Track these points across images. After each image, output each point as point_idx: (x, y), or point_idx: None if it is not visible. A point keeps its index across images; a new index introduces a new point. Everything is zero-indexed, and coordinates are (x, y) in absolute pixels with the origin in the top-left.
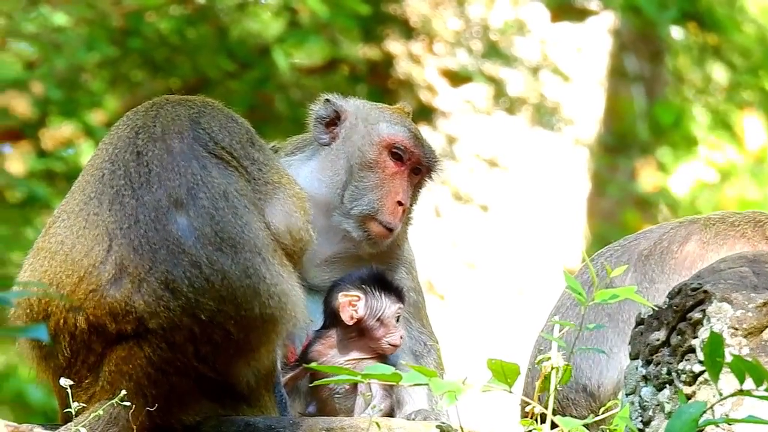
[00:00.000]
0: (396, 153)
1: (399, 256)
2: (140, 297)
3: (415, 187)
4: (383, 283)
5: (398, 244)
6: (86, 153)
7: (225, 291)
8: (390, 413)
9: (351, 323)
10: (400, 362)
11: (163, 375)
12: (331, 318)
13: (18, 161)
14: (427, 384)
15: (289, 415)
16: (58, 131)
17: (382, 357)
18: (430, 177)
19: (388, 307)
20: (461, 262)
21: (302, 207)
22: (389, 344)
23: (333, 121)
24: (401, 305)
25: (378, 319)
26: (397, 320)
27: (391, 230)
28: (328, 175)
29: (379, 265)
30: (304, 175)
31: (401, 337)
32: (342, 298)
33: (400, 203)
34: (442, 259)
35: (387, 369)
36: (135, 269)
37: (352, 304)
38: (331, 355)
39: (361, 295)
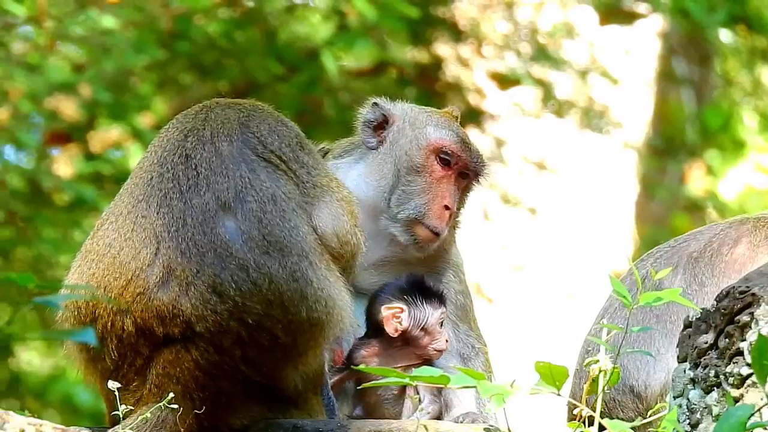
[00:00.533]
0: (443, 157)
1: (447, 260)
2: (187, 300)
3: (463, 192)
4: (424, 290)
5: (446, 248)
6: (134, 156)
7: (272, 295)
8: (438, 416)
9: (396, 335)
10: (448, 365)
11: (210, 378)
12: (375, 329)
13: (66, 164)
14: (475, 387)
15: (337, 418)
16: (106, 134)
17: (429, 361)
18: (478, 181)
19: (431, 314)
20: (509, 265)
21: (350, 211)
22: (435, 350)
23: (381, 125)
24: (444, 309)
25: (422, 329)
26: (441, 325)
27: (437, 234)
28: (375, 179)
29: (426, 269)
30: (352, 178)
31: (447, 341)
32: (385, 311)
33: (446, 207)
34: (490, 262)
35: (435, 372)
36: (182, 272)
37: (396, 317)
38: (375, 364)
39: (404, 307)
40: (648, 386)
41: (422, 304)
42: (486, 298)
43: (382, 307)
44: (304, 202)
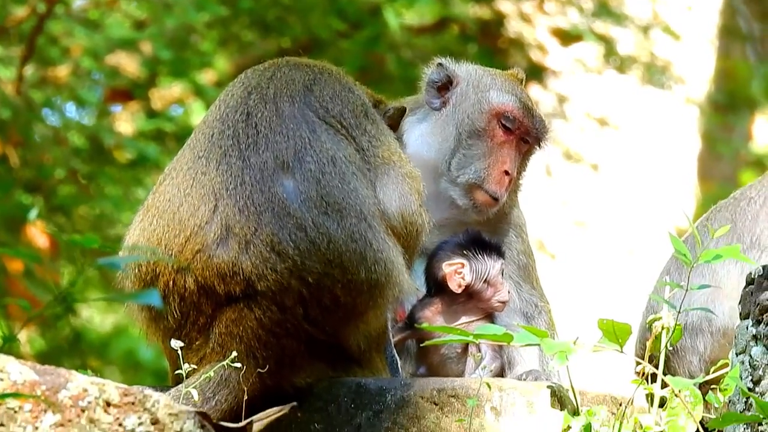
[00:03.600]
0: (505, 123)
1: (508, 221)
2: (247, 258)
3: (524, 157)
4: (482, 244)
5: (506, 211)
6: (195, 113)
7: (331, 254)
8: (500, 374)
9: (459, 291)
10: (511, 323)
11: (273, 337)
12: (437, 287)
13: (127, 121)
14: (538, 344)
15: (400, 377)
16: (167, 91)
17: (491, 317)
18: (539, 147)
19: (492, 266)
20: (572, 222)
21: (417, 189)
22: (499, 302)
23: (445, 85)
24: (503, 260)
25: (485, 281)
26: (502, 275)
27: (496, 200)
28: (437, 141)
29: (487, 230)
30: (415, 137)
31: (509, 292)
32: (447, 268)
33: (506, 173)
34: (552, 218)
35: (498, 329)
36: (241, 230)
37: (458, 272)
38: (440, 322)
39: (465, 262)
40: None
41: (482, 256)
42: (549, 255)
43: (444, 264)
44: (366, 168)
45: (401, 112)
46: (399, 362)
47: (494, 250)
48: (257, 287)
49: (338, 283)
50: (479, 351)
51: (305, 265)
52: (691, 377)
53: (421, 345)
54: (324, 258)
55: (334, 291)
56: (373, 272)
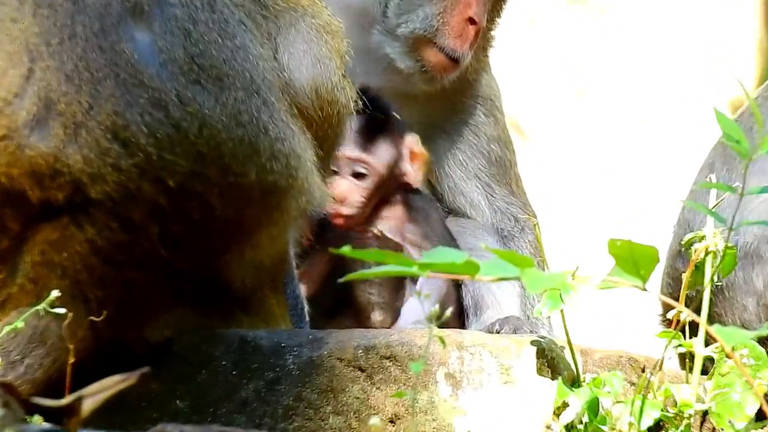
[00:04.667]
0: None
1: (473, 94)
2: (77, 150)
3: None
4: (376, 126)
5: (471, 78)
6: None
7: (205, 145)
8: (461, 323)
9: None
10: (477, 245)
11: (113, 268)
12: None
13: None
14: (517, 278)
15: (307, 328)
16: None
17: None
18: None
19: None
20: (566, 90)
21: (338, 49)
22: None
23: None
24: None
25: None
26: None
27: (456, 61)
28: None
29: (442, 108)
30: None
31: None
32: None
33: (471, 21)
34: (539, 86)
35: (457, 255)
36: (68, 107)
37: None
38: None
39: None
40: None
41: (380, 143)
42: (522, 136)
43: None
44: (261, 15)
45: None
46: (306, 306)
47: (394, 126)
48: (90, 193)
49: (214, 187)
50: (427, 288)
51: (164, 160)
52: (747, 328)
53: (340, 281)
54: (193, 150)
55: (207, 200)
56: (268, 172)
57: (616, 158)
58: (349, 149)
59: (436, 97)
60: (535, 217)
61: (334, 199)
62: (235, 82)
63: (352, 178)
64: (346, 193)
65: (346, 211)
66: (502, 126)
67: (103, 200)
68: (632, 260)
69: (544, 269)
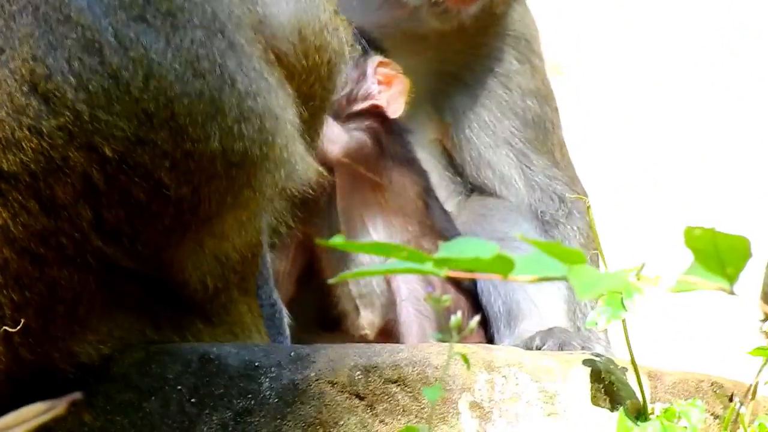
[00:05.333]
0: None
1: (500, 33)
2: None
3: None
4: None
5: (498, 11)
6: None
7: (152, 102)
8: (486, 336)
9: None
10: (509, 233)
11: (33, 264)
12: None
13: None
14: (564, 278)
15: (287, 341)
16: None
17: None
18: None
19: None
20: (614, 26)
21: None
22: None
23: None
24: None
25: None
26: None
27: None
28: None
29: (462, 51)
30: None
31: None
32: None
33: None
34: (581, 24)
35: (484, 247)
36: None
37: None
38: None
39: None
40: None
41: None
42: (564, 83)
43: None
44: None
45: None
46: (284, 312)
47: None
48: (2, 165)
49: (164, 158)
50: (445, 291)
51: (99, 121)
52: None
53: (329, 282)
54: (137, 108)
55: (155, 174)
56: (235, 137)
57: (691, 115)
58: None
59: (452, 38)
60: (586, 195)
61: None
62: (192, 18)
63: None
64: None
65: None
66: (541, 75)
67: (17, 174)
68: (716, 255)
69: (598, 266)
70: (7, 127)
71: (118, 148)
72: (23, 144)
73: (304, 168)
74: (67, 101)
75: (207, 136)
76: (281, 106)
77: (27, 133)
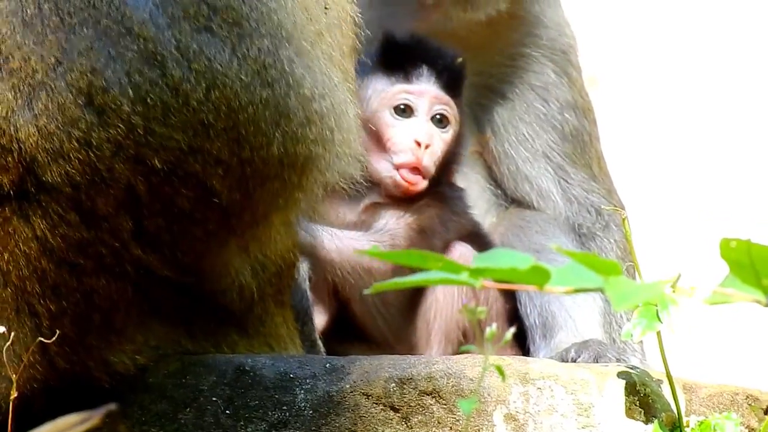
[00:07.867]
0: None
1: (537, 44)
2: (30, 118)
3: None
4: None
5: (529, 17)
6: None
7: (212, 113)
8: (523, 349)
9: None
10: (546, 245)
11: (71, 274)
12: None
13: None
14: (600, 289)
15: (322, 353)
16: None
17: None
18: None
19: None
20: (653, 38)
21: None
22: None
23: None
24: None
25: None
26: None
27: None
28: None
29: (491, 59)
30: None
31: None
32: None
33: None
34: (621, 39)
35: (520, 259)
36: (25, 63)
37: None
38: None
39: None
40: None
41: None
42: (600, 96)
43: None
44: None
45: None
46: (314, 323)
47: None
48: (44, 177)
49: (218, 166)
50: (480, 300)
51: (152, 134)
52: None
53: (366, 293)
54: (194, 120)
55: (206, 182)
56: (298, 140)
57: (729, 128)
58: (429, 85)
59: (487, 47)
60: (623, 208)
61: (416, 144)
62: (259, 28)
63: (432, 124)
64: (431, 139)
65: (426, 161)
66: (578, 87)
67: (60, 186)
68: (752, 266)
69: (635, 278)
70: (56, 139)
71: (169, 159)
72: (71, 155)
73: (354, 163)
74: (122, 113)
75: (269, 143)
76: (345, 101)
77: (76, 144)
